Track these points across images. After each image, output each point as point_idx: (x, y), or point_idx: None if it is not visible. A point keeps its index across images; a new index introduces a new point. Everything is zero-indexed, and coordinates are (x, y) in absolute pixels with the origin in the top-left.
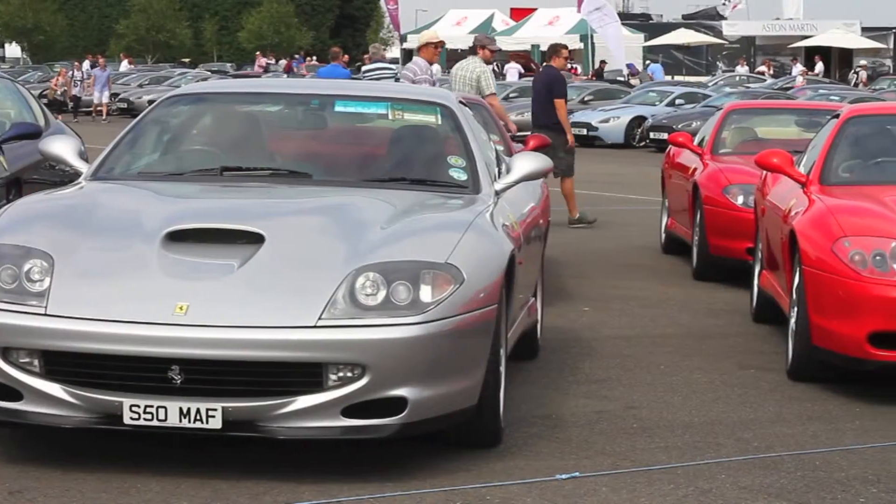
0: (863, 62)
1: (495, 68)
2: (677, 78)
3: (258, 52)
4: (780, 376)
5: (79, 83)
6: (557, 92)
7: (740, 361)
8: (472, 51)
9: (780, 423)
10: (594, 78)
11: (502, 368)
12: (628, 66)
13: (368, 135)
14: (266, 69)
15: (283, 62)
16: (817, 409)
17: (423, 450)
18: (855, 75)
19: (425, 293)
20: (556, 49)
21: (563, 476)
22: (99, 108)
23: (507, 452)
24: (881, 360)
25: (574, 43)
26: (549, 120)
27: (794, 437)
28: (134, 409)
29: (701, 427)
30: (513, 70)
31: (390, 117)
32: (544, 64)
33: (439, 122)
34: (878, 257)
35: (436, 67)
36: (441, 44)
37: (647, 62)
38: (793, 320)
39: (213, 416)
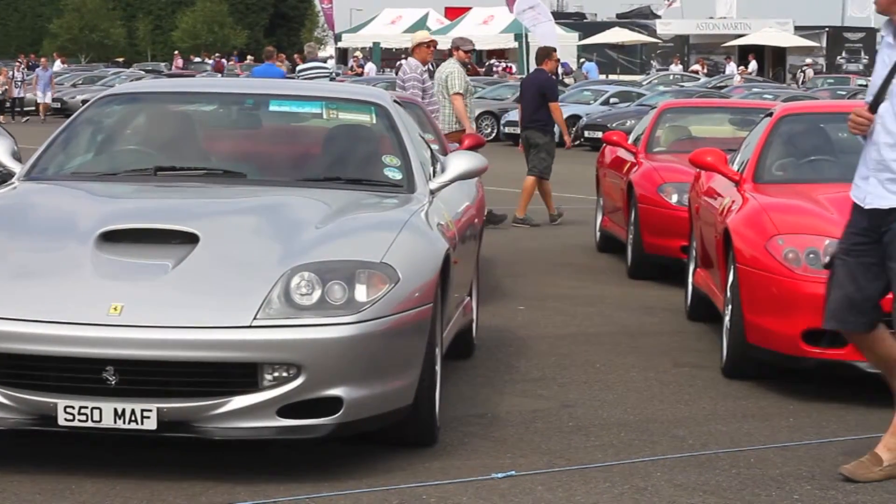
0: (808, 60)
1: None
2: (612, 77)
3: (176, 53)
4: (714, 374)
5: (20, 83)
6: (552, 95)
7: (675, 359)
8: (450, 52)
9: (715, 420)
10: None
11: (438, 368)
12: (562, 65)
13: (303, 134)
14: (184, 69)
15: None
16: (752, 407)
17: (359, 449)
18: (802, 73)
19: (360, 293)
20: (547, 53)
21: (499, 475)
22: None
23: (443, 451)
24: (815, 357)
25: (508, 42)
26: (539, 121)
27: (729, 435)
28: (68, 410)
29: (636, 425)
30: None
31: (325, 117)
32: (535, 67)
33: (374, 122)
34: (811, 255)
35: (370, 66)
36: (433, 43)
37: (582, 61)
38: (727, 318)
39: (149, 417)
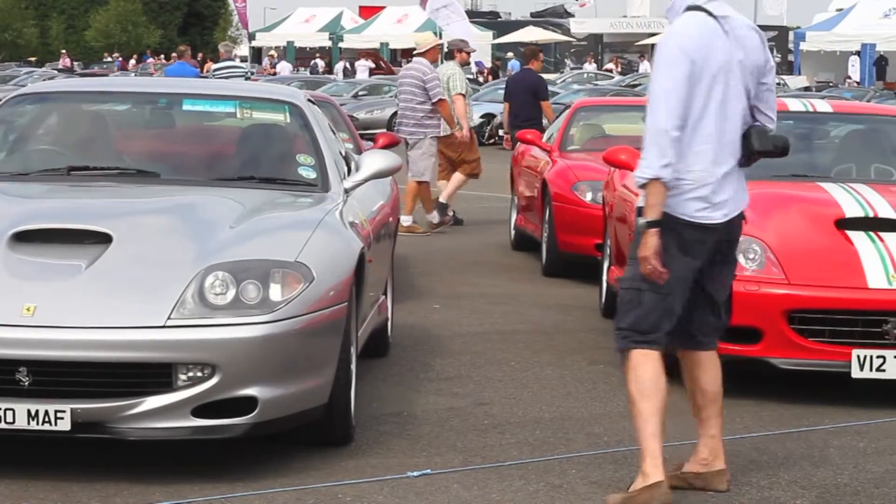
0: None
1: (347, 66)
2: None
3: (63, 51)
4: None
5: None
6: (543, 95)
7: (590, 357)
8: (449, 55)
9: (630, 417)
10: (490, 76)
11: (353, 367)
12: (477, 63)
13: (217, 134)
14: (71, 68)
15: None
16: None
17: (274, 449)
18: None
19: (275, 292)
20: (534, 53)
21: (415, 473)
22: None
23: (358, 450)
24: (729, 353)
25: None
26: (532, 120)
27: None
28: None
29: (551, 423)
30: (362, 67)
31: (239, 116)
32: (523, 67)
33: (288, 121)
34: None
35: (283, 65)
36: (440, 45)
37: (510, 55)
38: None
39: (62, 418)
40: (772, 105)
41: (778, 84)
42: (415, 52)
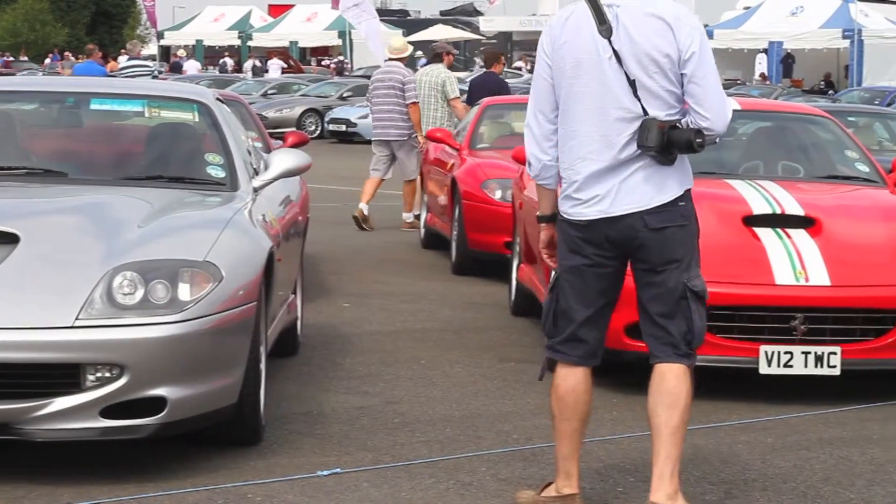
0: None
1: (257, 64)
2: None
3: None
4: (538, 369)
5: None
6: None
7: (500, 354)
8: (436, 57)
9: (540, 415)
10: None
11: (262, 366)
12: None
13: (125, 133)
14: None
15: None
16: None
17: (183, 449)
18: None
19: (183, 292)
20: (496, 56)
21: (325, 472)
22: None
23: (268, 450)
24: (638, 350)
25: (332, 39)
26: None
27: None
28: None
29: (461, 420)
30: (275, 66)
31: (147, 115)
32: (485, 70)
33: (196, 120)
34: None
35: (190, 63)
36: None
37: (419, 55)
38: None
39: None
40: (700, 99)
41: None
42: (390, 57)
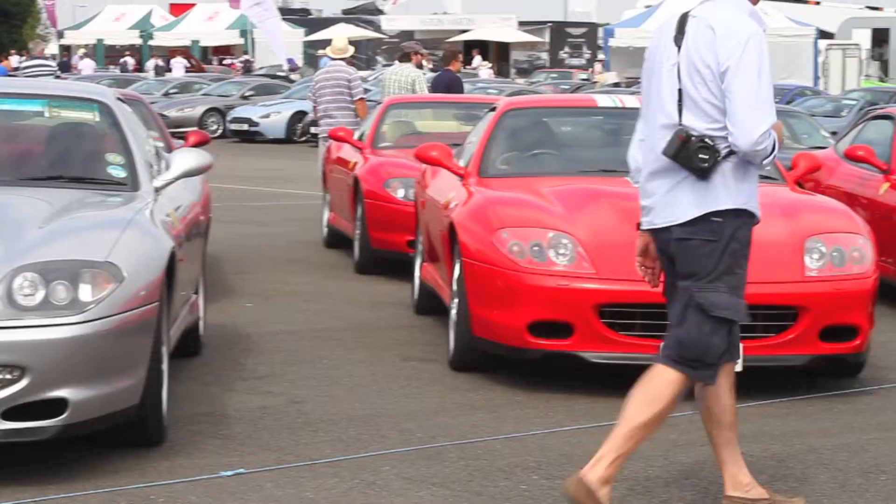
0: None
1: (159, 63)
2: None
3: None
4: (442, 367)
5: None
6: (458, 93)
7: (403, 353)
8: (404, 57)
9: (443, 413)
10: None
11: (164, 366)
12: (288, 61)
13: (24, 133)
14: None
15: None
16: (479, 399)
17: (85, 450)
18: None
19: (84, 292)
20: (454, 54)
21: (228, 473)
22: None
23: (171, 451)
24: (541, 348)
25: (234, 38)
26: None
27: (457, 427)
28: None
29: (365, 420)
30: (178, 65)
31: (47, 115)
32: (444, 68)
33: (97, 120)
34: (535, 248)
35: (86, 62)
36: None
37: (321, 52)
38: (454, 311)
39: None
40: (730, 114)
41: (586, 80)
42: (335, 56)
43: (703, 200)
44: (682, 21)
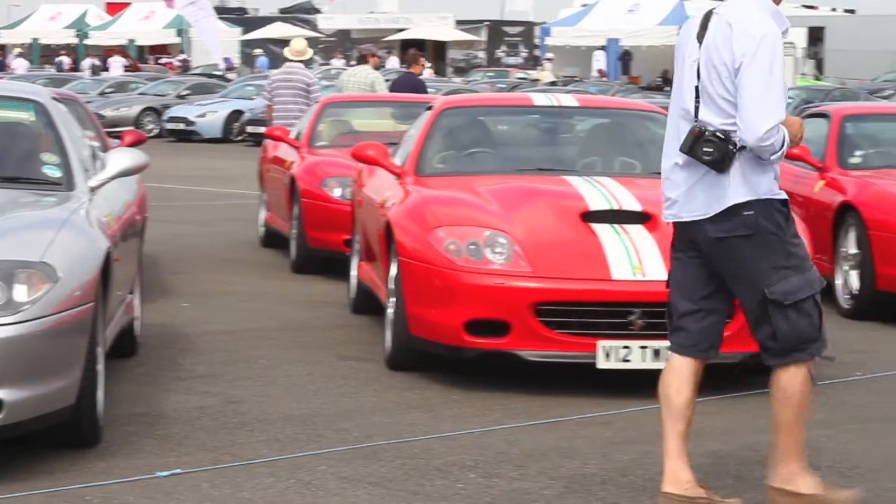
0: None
1: (96, 63)
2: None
3: None
4: (379, 366)
5: None
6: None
7: (340, 353)
8: (362, 59)
9: (380, 412)
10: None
11: (100, 367)
12: (225, 60)
13: None
14: None
15: None
16: (416, 398)
17: (20, 451)
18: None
19: (19, 293)
20: (415, 57)
21: (164, 473)
22: None
23: (107, 451)
24: (478, 347)
25: (171, 38)
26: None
27: (394, 426)
28: None
29: (301, 419)
30: (116, 64)
31: None
32: (406, 70)
33: (32, 119)
34: (472, 247)
35: (18, 62)
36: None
37: (258, 51)
38: (390, 310)
39: None
40: (739, 109)
41: (523, 79)
42: (293, 58)
43: (724, 194)
44: (706, 18)
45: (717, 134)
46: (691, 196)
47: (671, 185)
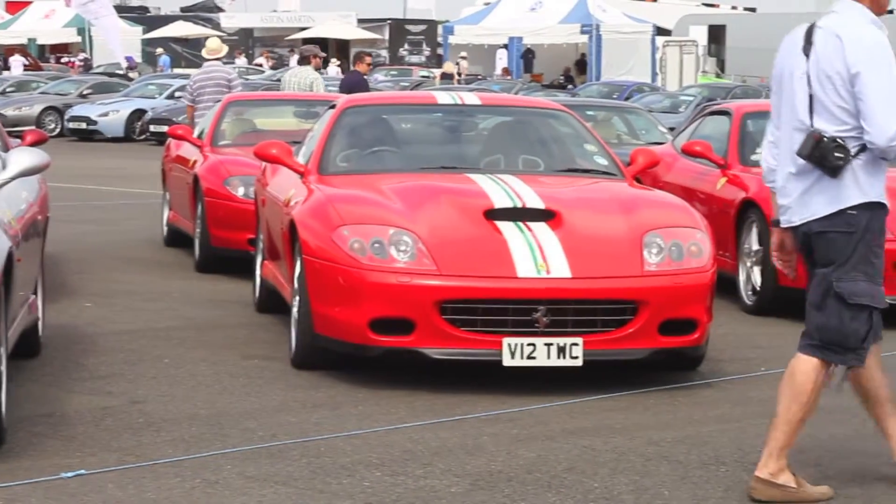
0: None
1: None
2: (177, 70)
3: None
4: (284, 365)
5: None
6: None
7: (244, 352)
8: (304, 60)
9: (285, 411)
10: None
11: (3, 367)
12: (127, 59)
13: None
14: None
15: None
16: (321, 397)
17: None
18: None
19: None
20: (359, 56)
21: (68, 474)
22: None
23: (10, 453)
24: (383, 345)
25: (72, 37)
26: None
27: (299, 425)
28: None
29: (206, 419)
30: (17, 63)
31: None
32: (351, 69)
33: None
34: (376, 245)
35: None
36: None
37: (160, 50)
38: (295, 309)
39: None
40: (864, 115)
41: (427, 77)
42: (210, 57)
43: (837, 198)
44: (809, 32)
45: (839, 140)
46: (804, 202)
47: (785, 193)
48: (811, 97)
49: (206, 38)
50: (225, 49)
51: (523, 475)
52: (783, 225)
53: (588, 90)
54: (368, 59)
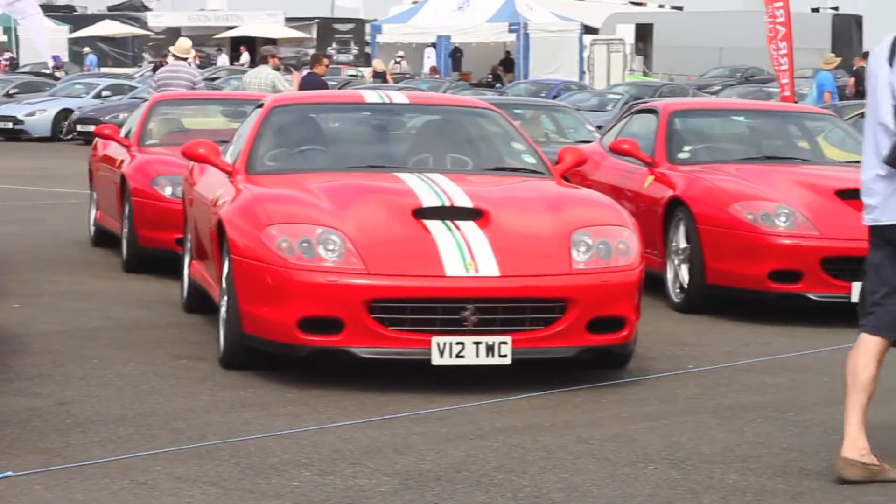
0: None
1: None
2: (104, 70)
3: None
4: (212, 365)
5: None
6: None
7: (172, 352)
8: (263, 60)
9: (214, 411)
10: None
11: None
12: (54, 58)
13: None
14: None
15: None
16: (250, 397)
17: None
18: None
19: None
20: (317, 58)
21: None
22: None
23: None
24: (311, 344)
25: None
26: None
27: (228, 425)
28: None
29: (135, 419)
30: None
31: None
32: (308, 71)
33: None
34: (304, 244)
35: None
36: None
37: (87, 49)
38: (223, 309)
39: None
40: None
41: (355, 76)
42: (179, 56)
43: None
44: (894, 43)
45: None
46: (891, 203)
47: (871, 193)
48: (894, 105)
49: (134, 37)
50: (193, 51)
51: (453, 474)
52: (867, 223)
53: (516, 89)
54: (326, 61)
